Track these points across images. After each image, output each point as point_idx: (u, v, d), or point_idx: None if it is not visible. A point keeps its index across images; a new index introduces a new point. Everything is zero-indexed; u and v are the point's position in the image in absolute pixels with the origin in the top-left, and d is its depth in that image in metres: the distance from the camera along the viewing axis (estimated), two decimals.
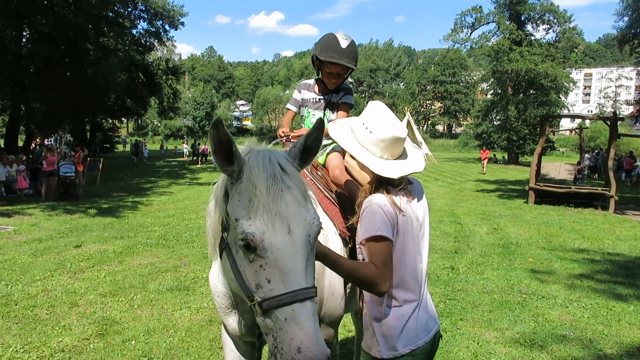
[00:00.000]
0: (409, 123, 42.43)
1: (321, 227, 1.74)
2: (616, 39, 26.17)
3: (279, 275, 1.58)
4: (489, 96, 51.69)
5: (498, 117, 45.02)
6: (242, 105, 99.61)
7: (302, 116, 3.24)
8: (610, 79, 74.94)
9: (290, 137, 2.96)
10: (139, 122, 76.85)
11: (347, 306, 2.66)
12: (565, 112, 43.70)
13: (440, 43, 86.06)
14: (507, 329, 5.43)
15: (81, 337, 4.85)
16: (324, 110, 3.16)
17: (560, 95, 43.61)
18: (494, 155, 47.55)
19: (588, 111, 67.93)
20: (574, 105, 70.88)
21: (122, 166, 30.78)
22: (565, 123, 44.55)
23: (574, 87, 47.72)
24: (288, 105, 3.29)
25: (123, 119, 49.19)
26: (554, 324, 5.68)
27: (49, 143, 27.96)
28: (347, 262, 2.05)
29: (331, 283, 2.47)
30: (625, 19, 24.48)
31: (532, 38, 40.36)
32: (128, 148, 40.73)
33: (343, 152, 3.17)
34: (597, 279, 7.83)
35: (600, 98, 71.91)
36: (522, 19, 40.20)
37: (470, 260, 8.53)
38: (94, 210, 12.96)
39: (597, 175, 30.34)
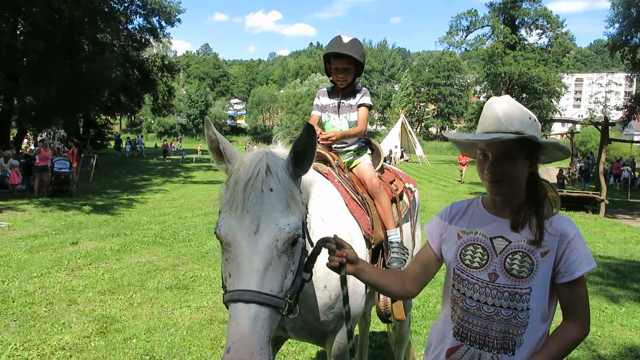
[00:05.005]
0: (403, 125, 42.88)
1: (295, 236, 1.70)
2: (607, 45, 26.45)
3: (236, 272, 1.63)
4: (482, 99, 52.02)
5: None
6: (237, 103, 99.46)
7: (324, 122, 3.32)
8: (601, 84, 75.59)
9: (319, 138, 3.03)
10: (132, 118, 76.46)
11: (365, 305, 2.70)
12: (557, 116, 44.10)
13: (436, 45, 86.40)
14: None
15: (82, 335, 4.85)
16: (344, 114, 3.24)
17: (552, 100, 44.02)
18: None
19: (579, 116, 68.45)
20: (565, 109, 71.38)
21: (115, 163, 30.63)
22: (557, 127, 44.94)
23: (565, 91, 48.16)
24: (313, 112, 3.37)
25: (116, 115, 48.93)
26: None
27: (42, 138, 27.74)
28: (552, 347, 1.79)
29: (355, 281, 2.51)
30: (616, 25, 24.76)
31: (526, 42, 40.69)
32: (124, 145, 40.49)
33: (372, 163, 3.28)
34: (590, 281, 7.93)
35: (590, 103, 72.43)
36: (516, 23, 40.58)
37: None
38: (88, 207, 12.90)
39: (585, 179, 30.52)
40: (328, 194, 2.63)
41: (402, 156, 37.66)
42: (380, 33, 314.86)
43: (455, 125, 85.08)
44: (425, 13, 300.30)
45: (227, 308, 1.62)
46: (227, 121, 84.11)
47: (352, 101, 3.22)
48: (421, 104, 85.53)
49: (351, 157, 3.24)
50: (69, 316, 5.35)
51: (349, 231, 2.58)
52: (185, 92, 79.06)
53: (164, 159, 35.21)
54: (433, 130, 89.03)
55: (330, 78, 3.23)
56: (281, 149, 2.13)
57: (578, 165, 29.67)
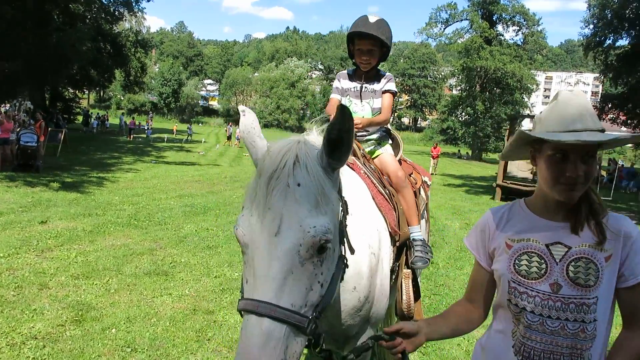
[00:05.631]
0: None
1: (324, 243, 1.46)
2: (582, 45, 26.89)
3: (252, 279, 1.43)
4: (455, 92, 52.51)
5: (464, 113, 45.80)
6: (210, 84, 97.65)
7: None
8: (570, 83, 77.59)
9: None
10: (101, 94, 74.18)
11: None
12: (527, 112, 44.91)
13: (414, 36, 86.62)
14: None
15: (55, 323, 4.54)
16: (367, 99, 3.03)
17: (524, 96, 44.75)
18: (459, 150, 48.44)
19: (517, 113, 70.00)
20: (534, 106, 72.90)
21: (83, 139, 29.60)
22: (526, 123, 45.79)
23: (536, 88, 49.08)
24: (332, 95, 3.15)
25: (85, 89, 47.29)
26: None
27: (6, 109, 26.51)
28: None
29: (382, 282, 2.34)
30: (591, 27, 25.15)
31: (502, 38, 41.15)
32: (92, 120, 39.15)
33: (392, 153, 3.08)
34: None
35: None
36: (494, 18, 40.95)
37: (448, 255, 8.57)
38: (57, 184, 12.33)
39: None
40: (355, 186, 2.43)
41: None
42: None
43: (427, 116, 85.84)
44: (402, 3, 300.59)
45: (242, 316, 1.43)
46: (200, 102, 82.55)
47: (376, 86, 3.02)
48: None
49: (372, 147, 3.04)
50: (41, 302, 5.01)
51: (377, 227, 2.38)
52: (157, 69, 77.09)
53: (128, 137, 34.18)
54: (405, 120, 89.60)
55: (353, 60, 3.01)
56: (316, 137, 1.87)
57: None
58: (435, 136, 63.53)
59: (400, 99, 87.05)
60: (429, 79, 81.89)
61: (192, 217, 9.86)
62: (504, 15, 40.11)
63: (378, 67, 3.05)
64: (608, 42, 24.16)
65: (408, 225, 2.75)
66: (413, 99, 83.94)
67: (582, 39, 26.10)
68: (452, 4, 40.75)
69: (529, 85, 41.23)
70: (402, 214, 2.70)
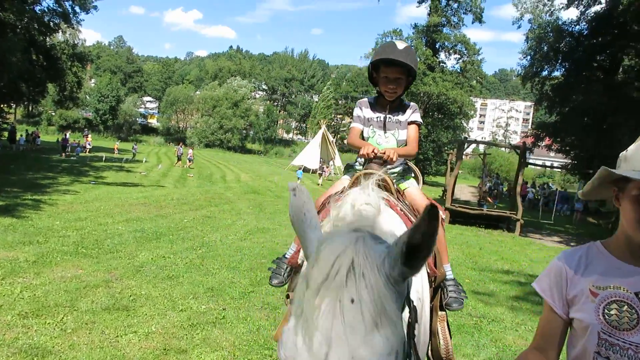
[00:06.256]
0: (324, 135, 43.13)
1: None
2: (520, 75, 28.41)
3: None
4: None
5: None
6: (150, 102, 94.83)
7: (367, 137, 2.88)
8: (503, 110, 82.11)
9: (377, 154, 2.60)
10: (30, 109, 70.03)
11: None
12: (464, 136, 46.85)
13: (360, 60, 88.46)
14: (474, 355, 5.41)
15: None
16: (392, 131, 2.85)
17: (463, 121, 46.69)
18: None
19: (482, 137, 73.46)
20: (471, 131, 76.32)
21: (10, 157, 27.68)
22: (471, 148, 47.83)
23: (474, 114, 51.40)
24: (354, 125, 2.92)
25: (12, 104, 44.41)
26: (513, 348, 5.76)
27: None
28: None
29: (425, 327, 2.13)
30: (528, 57, 26.66)
31: (444, 65, 42.89)
32: (20, 137, 36.71)
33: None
34: (532, 300, 8.15)
35: (493, 127, 78.17)
36: (437, 46, 42.61)
37: None
38: None
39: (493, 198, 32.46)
40: (395, 226, 2.21)
41: (320, 169, 37.62)
42: (301, 43, 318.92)
43: None
44: (345, 28, 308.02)
45: None
46: (138, 119, 79.87)
47: (401, 117, 2.85)
48: (338, 116, 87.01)
49: (396, 181, 2.84)
50: None
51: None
52: (93, 84, 74.00)
53: (61, 155, 32.35)
54: None
55: (377, 89, 2.83)
56: (374, 199, 1.60)
57: (487, 184, 31.44)
58: None
59: (342, 121, 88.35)
60: None
61: (144, 243, 9.25)
62: (446, 44, 41.95)
63: (401, 97, 2.88)
64: (544, 73, 25.64)
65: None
66: None
67: (520, 69, 27.57)
68: (398, 30, 42.26)
69: (468, 111, 43.11)
70: (437, 253, 2.51)
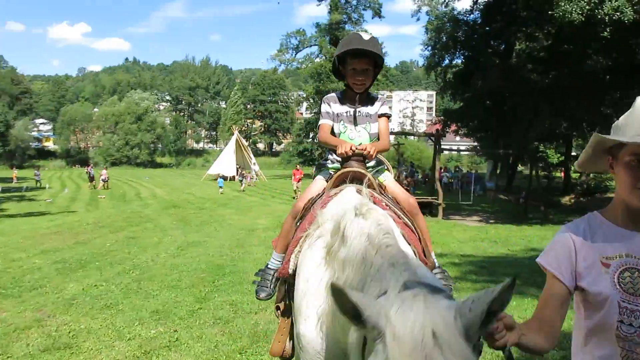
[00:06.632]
0: (238, 141, 42.50)
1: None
2: (423, 66, 29.75)
3: None
4: (307, 115, 54.52)
5: None
6: (43, 124, 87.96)
7: (338, 133, 2.80)
8: (408, 100, 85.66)
9: (361, 154, 2.56)
10: None
11: None
12: None
13: (267, 62, 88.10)
14: None
15: None
16: (363, 124, 2.79)
17: None
18: None
19: (391, 129, 76.23)
20: None
21: None
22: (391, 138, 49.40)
23: None
24: (323, 121, 2.83)
25: None
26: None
27: None
28: None
29: None
30: (429, 48, 28.00)
31: None
32: None
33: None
34: (471, 279, 8.49)
35: (400, 117, 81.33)
36: None
37: None
38: None
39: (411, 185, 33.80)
40: (403, 239, 2.21)
41: (242, 175, 37.01)
42: (201, 50, 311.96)
43: (282, 140, 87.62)
44: (243, 32, 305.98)
45: None
46: (32, 144, 73.98)
47: (371, 109, 2.80)
48: (248, 120, 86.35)
49: (373, 175, 2.78)
50: None
51: None
52: None
53: None
54: (261, 146, 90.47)
55: (344, 82, 2.77)
56: (386, 224, 1.67)
57: (404, 173, 32.63)
58: (293, 159, 64.95)
59: (253, 125, 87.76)
60: (279, 103, 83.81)
61: (69, 274, 8.50)
62: None
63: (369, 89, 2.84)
64: (446, 62, 27.04)
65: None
66: (266, 124, 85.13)
67: (423, 60, 28.85)
68: (301, 30, 42.61)
69: None
70: (425, 244, 2.50)
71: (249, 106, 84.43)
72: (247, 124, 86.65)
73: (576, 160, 1.90)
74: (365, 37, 2.62)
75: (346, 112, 2.78)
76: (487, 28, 23.97)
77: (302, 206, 2.59)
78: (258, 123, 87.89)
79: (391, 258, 1.51)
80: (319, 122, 2.85)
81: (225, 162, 41.30)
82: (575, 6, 13.19)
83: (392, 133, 28.53)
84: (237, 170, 41.02)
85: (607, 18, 13.22)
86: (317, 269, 1.97)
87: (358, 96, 2.75)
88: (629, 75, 18.06)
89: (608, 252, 1.69)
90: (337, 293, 1.18)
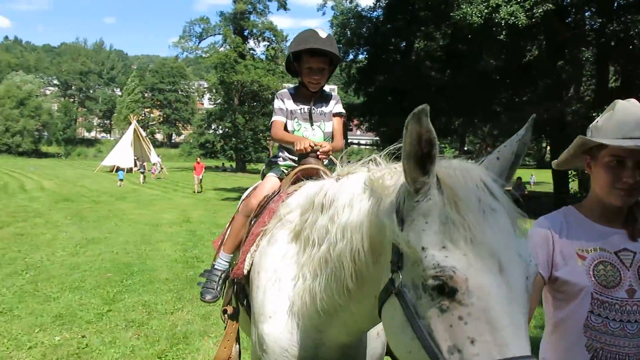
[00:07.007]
0: (136, 131, 40.34)
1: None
2: (285, 66, 30.23)
3: (490, 333, 1.09)
4: (209, 106, 53.14)
5: (224, 126, 46.75)
6: None
7: (292, 130, 2.70)
8: None
9: (319, 151, 2.47)
10: None
11: None
12: None
13: (169, 50, 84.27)
14: None
15: None
16: (317, 123, 2.72)
17: None
18: (223, 164, 49.08)
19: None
20: None
21: None
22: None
23: None
24: (276, 118, 2.72)
25: None
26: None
27: None
28: None
29: None
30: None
31: (254, 53, 43.45)
32: None
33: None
34: None
35: None
36: (246, 34, 42.82)
37: None
38: None
39: None
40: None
41: (142, 167, 35.03)
42: (94, 32, 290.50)
43: (182, 131, 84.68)
44: (140, 16, 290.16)
45: None
46: None
47: (325, 108, 2.75)
48: (146, 109, 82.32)
49: None
50: None
51: None
52: None
53: None
54: (159, 136, 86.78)
55: (299, 79, 2.68)
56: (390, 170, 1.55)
57: None
58: (194, 151, 63.11)
59: (151, 115, 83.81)
60: (180, 93, 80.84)
61: None
62: (254, 31, 42.38)
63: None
64: (350, 57, 27.61)
65: None
66: (166, 114, 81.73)
67: None
68: (205, 18, 41.20)
69: None
70: None
71: (146, 94, 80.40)
72: (145, 113, 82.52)
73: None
74: (323, 35, 2.57)
75: (301, 110, 2.71)
76: (389, 25, 24.87)
77: (257, 204, 2.47)
78: (157, 112, 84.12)
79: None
80: (272, 119, 2.75)
81: (121, 153, 39.08)
82: (475, 9, 14.12)
83: None
84: (135, 162, 38.96)
85: (503, 22, 14.28)
86: (282, 261, 1.90)
87: (313, 95, 2.70)
88: (518, 76, 19.74)
89: (584, 245, 1.80)
90: (421, 113, 1.15)
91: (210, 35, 42.17)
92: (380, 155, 1.64)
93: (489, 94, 20.81)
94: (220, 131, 48.70)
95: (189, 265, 8.61)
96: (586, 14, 18.08)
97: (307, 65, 2.58)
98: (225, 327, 2.43)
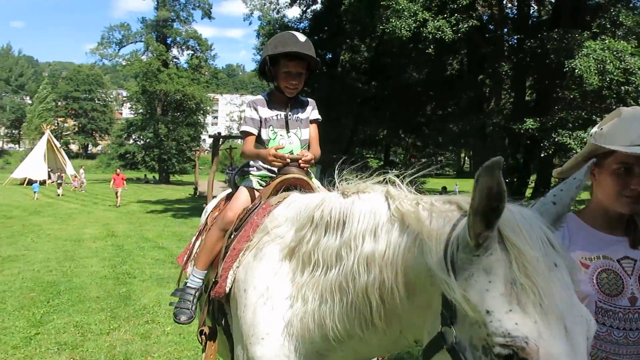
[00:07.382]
0: (49, 142, 37.88)
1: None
2: (255, 70, 30.15)
3: None
4: (129, 115, 51.14)
5: (145, 136, 45.13)
6: None
7: (267, 139, 2.57)
8: (235, 104, 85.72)
9: (300, 160, 2.39)
10: None
11: None
12: (205, 132, 47.62)
13: (87, 57, 79.84)
14: None
15: None
16: (294, 130, 2.61)
17: (201, 117, 47.20)
18: (145, 175, 47.23)
19: (217, 132, 75.46)
20: (208, 126, 77.63)
21: None
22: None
23: (211, 110, 52.41)
24: (246, 128, 2.58)
25: None
26: None
27: None
28: None
29: None
30: (261, 52, 28.63)
31: (178, 62, 42.42)
32: None
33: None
34: None
35: (227, 121, 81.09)
36: (169, 42, 41.70)
37: None
38: None
39: None
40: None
41: (59, 179, 32.85)
42: (0, 37, 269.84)
43: (99, 142, 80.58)
44: (51, 21, 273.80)
45: None
46: None
47: (302, 114, 2.64)
48: (59, 119, 77.52)
49: None
50: None
51: None
52: None
53: None
54: (74, 147, 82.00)
55: (274, 84, 2.57)
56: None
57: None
58: (113, 162, 60.24)
59: (65, 124, 79.10)
60: (97, 101, 76.96)
61: None
62: (178, 39, 41.36)
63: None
64: None
65: None
66: (81, 124, 77.42)
67: (255, 64, 29.23)
68: (125, 24, 39.58)
69: (205, 107, 43.65)
70: None
71: (60, 103, 75.72)
72: (58, 123, 77.65)
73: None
74: (301, 38, 2.47)
75: (276, 116, 2.58)
76: (315, 37, 25.25)
77: (236, 217, 2.36)
78: (71, 122, 79.45)
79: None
80: (242, 130, 2.62)
81: (34, 164, 36.50)
82: (404, 23, 14.62)
83: (231, 137, 28.31)
84: (49, 174, 36.58)
85: (430, 36, 14.91)
86: (275, 278, 1.82)
87: (289, 100, 2.59)
88: (442, 89, 20.71)
89: (587, 253, 1.78)
90: (495, 166, 1.08)
91: (132, 43, 40.66)
92: (396, 176, 1.58)
93: (413, 106, 21.66)
94: (142, 142, 46.92)
95: (120, 282, 8.22)
96: (504, 29, 19.26)
97: (284, 70, 2.46)
98: (204, 350, 2.30)
